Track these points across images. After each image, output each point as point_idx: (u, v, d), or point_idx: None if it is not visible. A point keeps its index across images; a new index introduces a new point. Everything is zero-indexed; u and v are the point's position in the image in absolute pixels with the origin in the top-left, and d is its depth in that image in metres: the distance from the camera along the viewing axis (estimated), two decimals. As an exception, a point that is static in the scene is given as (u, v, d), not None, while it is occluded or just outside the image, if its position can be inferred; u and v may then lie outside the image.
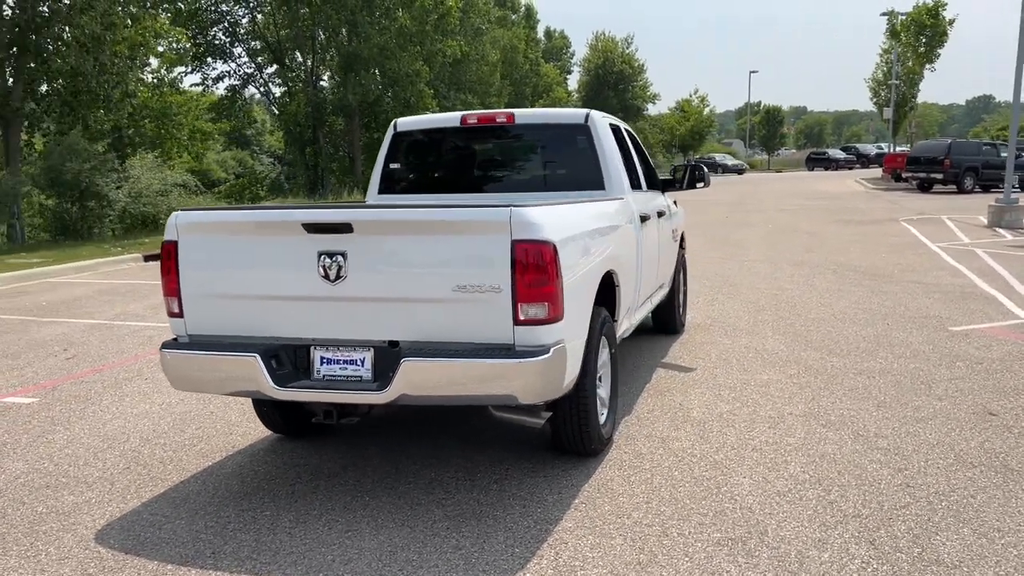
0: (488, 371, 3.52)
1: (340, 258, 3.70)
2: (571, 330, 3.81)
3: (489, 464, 4.42)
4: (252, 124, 49.07)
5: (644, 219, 5.55)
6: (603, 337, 4.46)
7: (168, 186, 20.91)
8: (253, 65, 37.60)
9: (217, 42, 36.73)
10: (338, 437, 4.92)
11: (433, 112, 36.17)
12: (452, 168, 5.88)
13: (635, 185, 6.00)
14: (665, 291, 7.04)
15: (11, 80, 20.23)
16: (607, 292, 4.77)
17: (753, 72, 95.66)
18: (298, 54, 36.86)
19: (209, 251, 3.92)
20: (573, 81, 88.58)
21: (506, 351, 3.57)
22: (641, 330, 7.69)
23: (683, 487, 4.06)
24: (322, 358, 3.82)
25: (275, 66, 37.79)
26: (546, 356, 3.56)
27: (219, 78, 37.03)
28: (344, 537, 3.59)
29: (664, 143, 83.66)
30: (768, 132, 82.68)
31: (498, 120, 5.58)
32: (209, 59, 36.50)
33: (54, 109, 21.28)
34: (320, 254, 3.72)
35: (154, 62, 27.42)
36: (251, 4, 36.34)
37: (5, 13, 19.81)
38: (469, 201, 5.23)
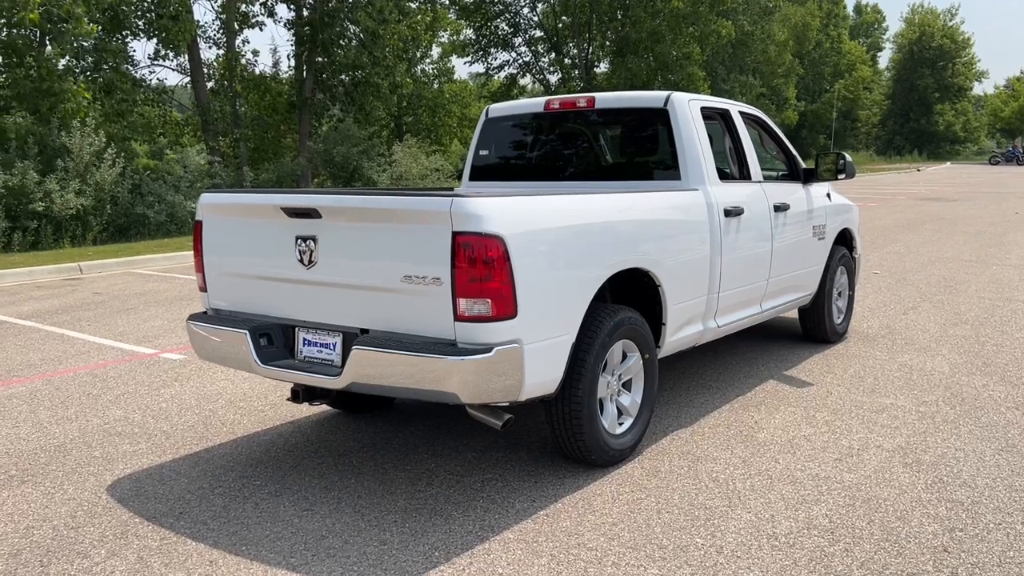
0: (427, 367, 3.40)
1: (312, 243, 3.77)
2: (538, 330, 3.56)
3: (488, 463, 4.28)
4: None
5: (732, 213, 4.99)
6: (618, 340, 4.11)
7: (427, 170, 22.41)
8: (531, 54, 38.94)
9: (500, 32, 38.51)
10: (372, 420, 5.01)
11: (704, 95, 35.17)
12: (538, 155, 5.70)
13: (733, 176, 5.42)
14: (804, 296, 6.30)
15: (304, 72, 22.83)
16: (641, 293, 4.39)
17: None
18: (573, 42, 37.56)
19: (223, 231, 4.17)
20: (884, 59, 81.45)
21: (449, 347, 3.42)
22: (784, 335, 6.96)
23: (668, 515, 3.64)
24: (304, 340, 3.92)
25: (552, 54, 38.90)
26: (487, 356, 3.36)
27: (500, 67, 38.83)
28: (298, 516, 3.67)
29: (988, 126, 74.12)
30: None
31: (579, 104, 5.31)
32: (492, 49, 38.42)
33: (339, 98, 23.65)
34: (297, 238, 3.81)
35: (435, 53, 29.52)
36: (534, -5, 37.66)
37: (304, 13, 22.36)
38: (548, 189, 5.07)
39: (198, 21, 20.45)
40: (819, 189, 6.41)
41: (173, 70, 23.10)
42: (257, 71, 23.95)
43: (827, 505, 3.72)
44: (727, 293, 5.07)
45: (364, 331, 3.70)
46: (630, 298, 4.41)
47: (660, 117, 4.97)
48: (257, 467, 4.27)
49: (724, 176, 5.31)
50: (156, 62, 21.19)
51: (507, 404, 3.66)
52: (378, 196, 3.65)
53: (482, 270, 3.34)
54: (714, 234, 4.84)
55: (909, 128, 71.10)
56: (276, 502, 3.83)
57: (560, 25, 37.69)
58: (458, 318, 3.39)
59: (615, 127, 5.32)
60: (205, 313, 4.35)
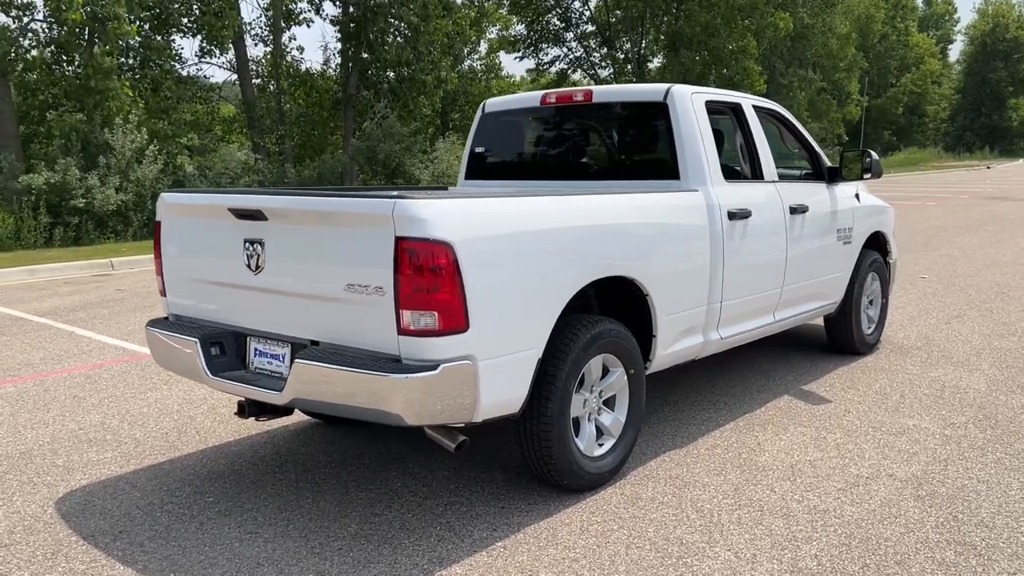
0: (368, 384, 3.12)
1: (259, 247, 3.52)
2: (495, 345, 3.25)
3: (457, 484, 3.98)
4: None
5: (738, 216, 4.60)
6: (597, 355, 3.77)
7: (469, 166, 22.13)
8: (582, 49, 38.47)
9: (552, 27, 38.13)
10: (350, 432, 4.75)
11: (759, 91, 34.27)
12: (534, 152, 5.37)
13: (744, 175, 5.02)
14: (828, 304, 5.85)
15: (349, 69, 22.82)
16: (631, 302, 4.04)
17: None
18: (625, 37, 37.00)
19: (180, 233, 3.96)
20: (955, 52, 78.68)
21: (392, 364, 3.14)
22: (810, 344, 6.51)
23: (638, 551, 3.30)
24: (255, 350, 3.68)
25: (604, 49, 38.39)
26: (432, 374, 3.06)
27: (551, 63, 38.43)
28: (240, 539, 3.43)
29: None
30: None
31: (575, 98, 4.97)
32: (543, 44, 38.08)
33: (384, 95, 23.59)
34: (245, 241, 3.57)
35: (483, 48, 29.32)
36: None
37: (349, 9, 22.33)
38: (543, 188, 4.76)
39: (242, 19, 20.53)
40: (846, 189, 5.95)
41: (220, 67, 23.27)
42: (304, 68, 24.02)
43: (819, 544, 3.33)
44: (732, 302, 4.68)
45: (315, 343, 3.43)
46: (620, 308, 4.07)
47: (659, 112, 4.60)
48: (216, 481, 4.05)
49: (733, 175, 4.91)
50: (204, 59, 21.35)
51: (462, 425, 3.35)
52: (320, 197, 3.38)
53: (428, 279, 3.04)
54: (715, 239, 4.46)
55: (980, 124, 68.39)
56: (223, 522, 3.60)
57: (613, 20, 37.14)
58: (402, 331, 3.10)
59: (613, 122, 4.96)
60: (166, 319, 4.14)
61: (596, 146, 5.08)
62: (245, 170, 18.13)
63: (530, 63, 38.26)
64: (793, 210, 5.20)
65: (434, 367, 3.08)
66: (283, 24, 22.78)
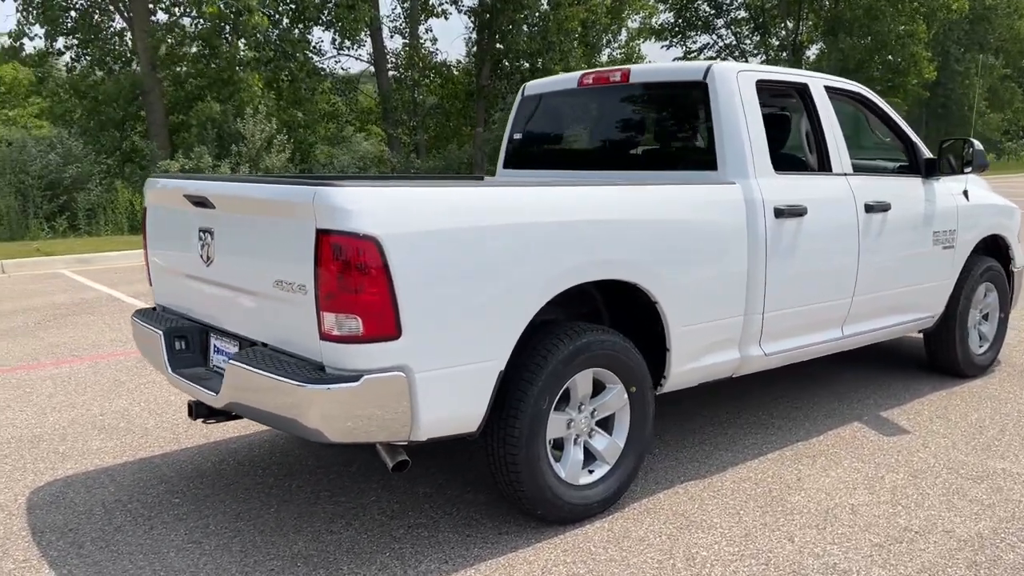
0: (286, 394, 2.80)
1: (210, 237, 3.28)
2: (438, 355, 2.85)
3: (434, 503, 3.60)
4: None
5: (789, 214, 3.96)
6: (585, 369, 3.30)
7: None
8: (733, 36, 36.87)
9: (702, 14, 36.78)
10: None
11: (928, 78, 31.65)
12: (572, 139, 4.88)
13: (810, 167, 4.35)
14: (921, 318, 5.04)
15: (481, 59, 22.79)
16: (634, 311, 3.54)
17: None
18: (780, 23, 35.14)
19: (159, 221, 3.79)
20: None
21: (316, 372, 2.80)
22: (907, 361, 5.68)
23: (594, 602, 2.82)
24: (215, 347, 3.45)
25: (757, 36, 36.64)
26: (351, 386, 2.71)
27: (700, 50, 37.07)
28: (179, 548, 3.21)
29: None
30: None
31: (612, 79, 4.46)
32: (691, 32, 36.79)
33: (515, 86, 23.40)
34: (199, 231, 3.34)
35: (623, 37, 28.60)
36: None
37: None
38: (575, 178, 4.32)
39: (377, 12, 20.86)
40: (950, 185, 5.09)
41: (357, 59, 23.87)
42: (440, 59, 24.20)
43: (819, 616, 2.73)
44: (779, 313, 4.05)
45: (266, 345, 3.15)
46: (633, 317, 3.58)
47: (699, 92, 4.03)
48: (194, 480, 3.87)
49: (789, 166, 4.26)
50: (341, 51, 21.90)
51: (404, 444, 2.98)
52: (252, 183, 3.08)
53: (351, 279, 2.68)
54: (756, 239, 3.85)
55: None
56: (173, 528, 3.39)
57: (767, 4, 35.33)
58: (323, 336, 2.76)
59: (652, 106, 4.40)
60: (153, 309, 4.00)
61: (633, 133, 4.54)
62: (374, 160, 18.42)
63: (678, 51, 36.96)
64: (870, 208, 4.46)
65: (356, 378, 2.71)
66: (420, 16, 23.01)
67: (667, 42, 36.30)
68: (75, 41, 19.11)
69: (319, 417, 2.75)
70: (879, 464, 4.00)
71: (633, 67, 4.40)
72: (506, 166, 5.12)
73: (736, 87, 3.96)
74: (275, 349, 3.03)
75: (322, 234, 2.69)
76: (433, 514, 3.49)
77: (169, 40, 17.61)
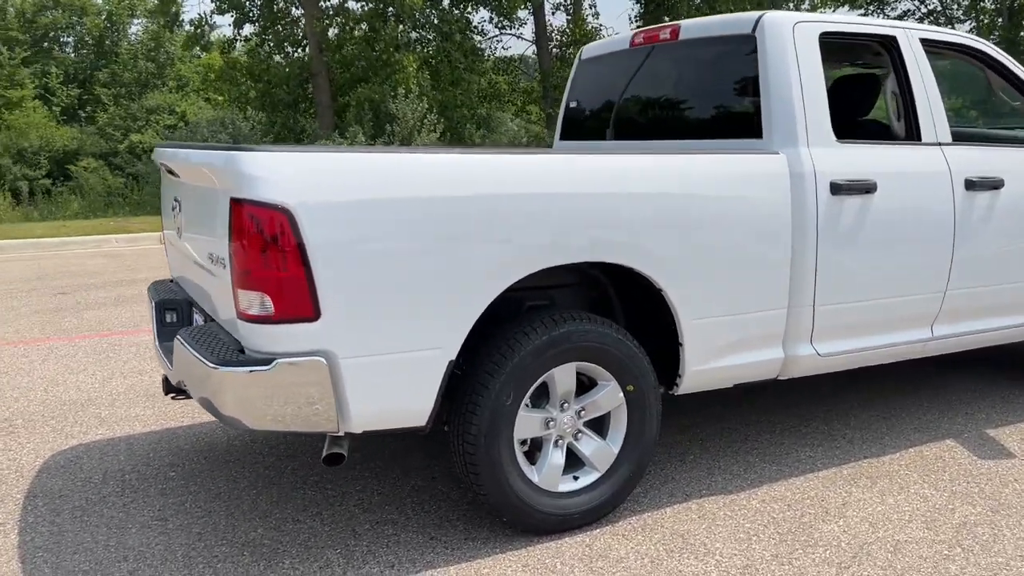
0: (204, 376, 2.62)
1: (179, 206, 3.17)
2: (369, 340, 2.58)
3: (414, 500, 3.34)
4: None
5: (850, 190, 3.35)
6: (565, 363, 2.91)
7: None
8: (938, 1, 33.57)
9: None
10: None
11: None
12: (624, 106, 4.39)
13: (895, 135, 3.69)
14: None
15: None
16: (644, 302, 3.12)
17: None
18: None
19: (162, 191, 3.75)
20: None
21: (237, 353, 2.61)
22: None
23: (525, 631, 2.46)
24: (196, 320, 3.36)
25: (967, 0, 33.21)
26: (263, 370, 2.49)
27: (900, 17, 34.06)
28: (144, 526, 3.15)
29: None
30: None
31: (662, 37, 3.96)
32: (888, -2, 33.87)
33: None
34: (173, 200, 3.24)
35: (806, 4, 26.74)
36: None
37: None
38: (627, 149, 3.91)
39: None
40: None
41: (518, 37, 23.79)
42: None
43: None
44: (837, 307, 3.44)
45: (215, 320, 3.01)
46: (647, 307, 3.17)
47: (747, 48, 3.48)
48: (197, 455, 3.83)
49: (863, 134, 3.61)
50: (503, 30, 21.89)
51: (340, 435, 2.72)
52: (188, 149, 2.90)
53: (262, 253, 2.46)
54: (804, 218, 3.27)
55: None
56: (147, 504, 3.34)
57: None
58: (239, 315, 2.55)
59: (701, 65, 3.85)
60: (171, 281, 3.98)
61: (684, 97, 4.01)
62: (533, 140, 18.31)
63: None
64: (972, 184, 3.71)
65: (268, 361, 2.49)
66: (584, -8, 22.59)
67: (862, 9, 33.58)
68: (256, 28, 20.29)
69: (233, 402, 2.55)
70: (955, 494, 3.32)
71: (684, 22, 3.88)
72: (563, 138, 4.73)
73: (790, 41, 3.38)
74: (221, 327, 2.87)
75: (235, 204, 2.48)
76: (409, 510, 3.23)
77: (337, 24, 18.26)
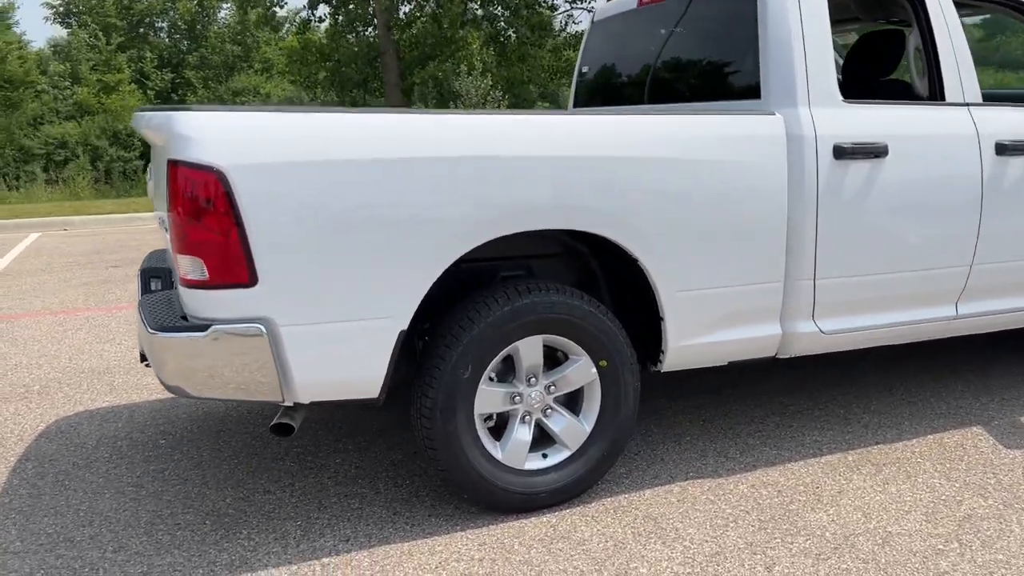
0: (147, 342, 2.59)
1: (152, 171, 3.15)
2: (311, 309, 2.49)
3: (394, 473, 3.26)
4: None
5: (855, 153, 3.10)
6: (531, 335, 2.78)
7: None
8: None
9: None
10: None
11: None
12: (632, 69, 4.18)
13: (917, 94, 3.41)
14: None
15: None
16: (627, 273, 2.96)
17: None
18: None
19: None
20: None
21: (179, 320, 2.57)
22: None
23: (461, 613, 2.36)
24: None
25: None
26: (197, 336, 2.44)
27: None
28: (118, 492, 3.16)
29: None
30: None
31: (665, -6, 3.74)
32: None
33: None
34: (147, 166, 3.22)
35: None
36: None
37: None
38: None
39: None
40: None
41: (589, 11, 23.32)
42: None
43: None
44: (841, 280, 3.20)
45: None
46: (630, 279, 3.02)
47: (748, 3, 3.24)
48: (192, 423, 3.84)
49: (876, 93, 3.34)
50: (574, 4, 21.55)
51: (289, 405, 2.66)
52: (150, 112, 2.84)
53: (196, 216, 2.40)
54: (801, 184, 3.04)
55: None
56: (132, 470, 3.36)
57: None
58: (180, 280, 2.51)
59: (706, 23, 3.61)
60: (164, 249, 3.99)
61: (689, 58, 3.78)
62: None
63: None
64: (1003, 148, 3.39)
65: (204, 328, 2.43)
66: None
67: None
68: (329, 8, 20.51)
69: (173, 369, 2.50)
70: (967, 484, 3.05)
71: (687, -23, 3.66)
72: (576, 105, 4.55)
73: (795, -10, 3.13)
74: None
75: (171, 165, 2.42)
76: (381, 485, 3.16)
77: (406, 2, 18.31)
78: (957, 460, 3.26)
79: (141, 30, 33.95)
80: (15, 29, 29.33)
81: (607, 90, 4.29)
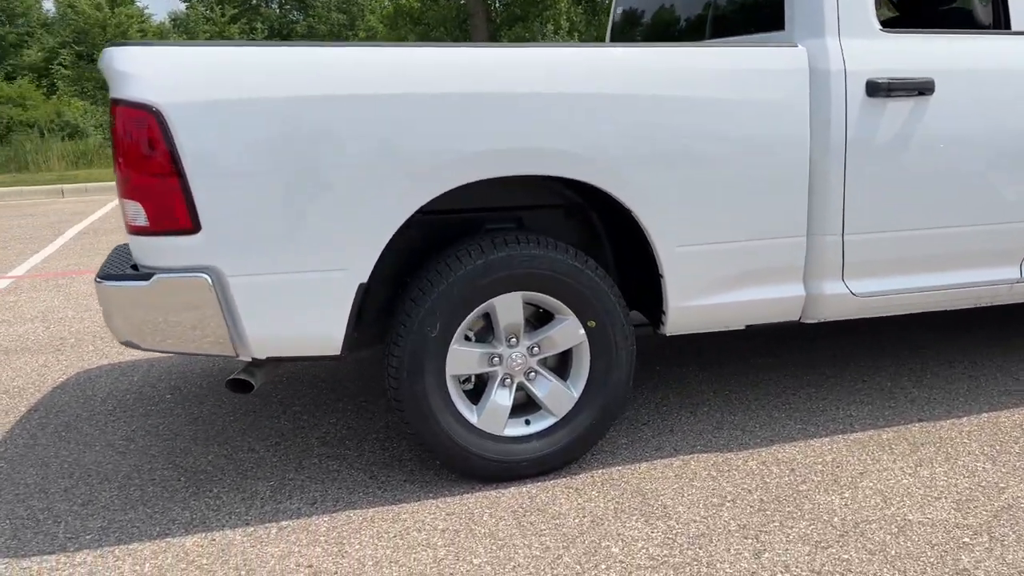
0: (98, 292, 2.50)
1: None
2: (261, 259, 2.34)
3: (382, 436, 3.11)
4: None
5: (890, 89, 2.71)
6: (508, 292, 2.56)
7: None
8: None
9: None
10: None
11: None
12: (668, 9, 3.83)
13: (978, 22, 2.97)
14: None
15: None
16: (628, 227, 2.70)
17: None
18: None
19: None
20: None
21: (127, 269, 2.47)
22: None
23: (404, 587, 2.19)
24: (167, 241, 3.26)
25: None
26: (140, 285, 2.32)
27: None
28: (109, 446, 3.13)
29: None
30: None
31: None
32: None
33: None
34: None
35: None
36: None
37: None
38: None
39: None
40: None
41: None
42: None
43: None
44: (876, 236, 2.83)
45: None
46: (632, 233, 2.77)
47: (773, -80, 2.87)
48: (201, 378, 3.80)
49: (925, 22, 2.92)
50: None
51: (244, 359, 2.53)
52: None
53: (134, 158, 2.27)
54: (825, 125, 2.69)
55: None
56: (128, 424, 3.32)
57: None
58: (127, 226, 2.39)
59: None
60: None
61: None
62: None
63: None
64: (1074, 85, 2.91)
65: (147, 276, 2.32)
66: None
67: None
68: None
69: (120, 320, 2.41)
70: (1016, 470, 2.66)
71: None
72: (609, 49, 4.23)
73: (824, -94, 2.74)
74: None
75: (113, 105, 2.29)
76: (367, 447, 3.01)
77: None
78: (1011, 443, 2.86)
79: (254, 1, 34.83)
80: (137, 3, 30.58)
81: (646, 32, 3.96)
